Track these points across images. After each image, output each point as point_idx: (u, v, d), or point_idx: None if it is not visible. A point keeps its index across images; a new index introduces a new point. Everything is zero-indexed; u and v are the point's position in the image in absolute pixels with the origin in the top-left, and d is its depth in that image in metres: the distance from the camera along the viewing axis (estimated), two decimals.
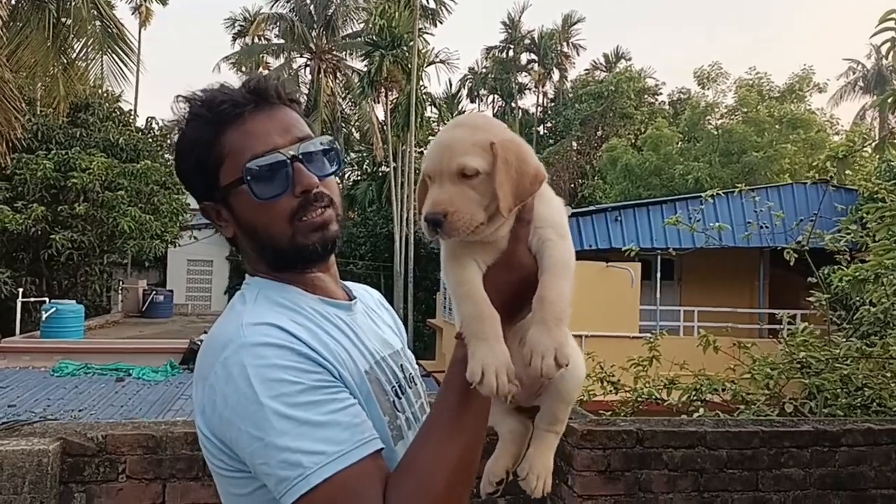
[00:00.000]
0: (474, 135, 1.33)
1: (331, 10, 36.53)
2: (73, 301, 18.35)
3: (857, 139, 5.13)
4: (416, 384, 1.56)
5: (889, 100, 3.97)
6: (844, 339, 6.62)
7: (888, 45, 4.35)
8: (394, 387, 1.45)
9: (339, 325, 1.43)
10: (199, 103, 1.43)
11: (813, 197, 15.54)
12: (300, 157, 1.39)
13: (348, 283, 1.66)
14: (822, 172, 6.03)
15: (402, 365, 1.54)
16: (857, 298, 5.31)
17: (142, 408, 11.34)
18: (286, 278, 1.45)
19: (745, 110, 28.42)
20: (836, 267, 8.18)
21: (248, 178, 1.36)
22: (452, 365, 1.31)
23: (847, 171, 4.98)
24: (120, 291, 25.42)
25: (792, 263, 7.00)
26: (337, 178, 1.54)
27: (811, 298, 6.15)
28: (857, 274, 4.62)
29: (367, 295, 1.69)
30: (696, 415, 6.39)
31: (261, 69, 36.29)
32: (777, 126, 27.52)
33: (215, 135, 1.40)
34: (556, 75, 40.71)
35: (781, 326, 14.38)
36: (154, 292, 24.71)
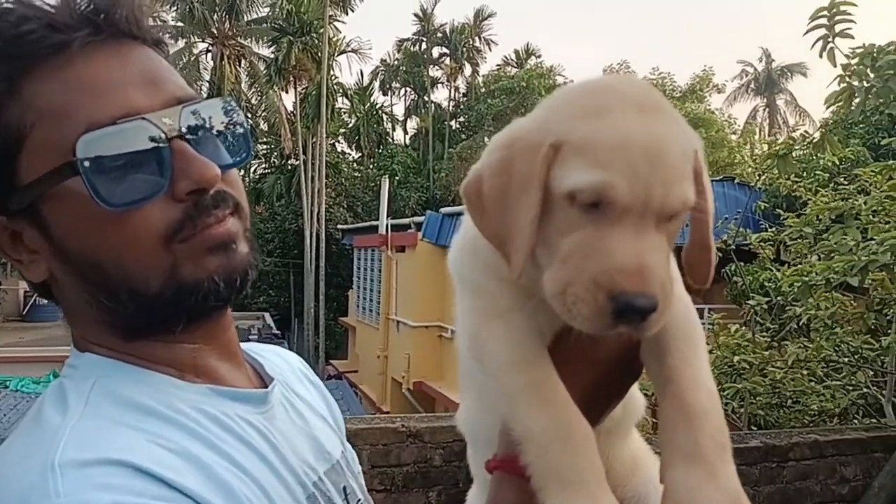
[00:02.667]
0: (681, 136, 0.75)
1: None
2: None
3: (798, 137, 5.05)
4: None
5: (844, 95, 3.76)
6: (768, 340, 6.63)
7: (820, 43, 4.21)
8: None
9: (248, 436, 0.83)
10: None
11: (720, 194, 15.98)
12: (183, 131, 0.80)
13: (250, 348, 1.04)
14: (751, 173, 5.95)
15: (344, 487, 0.96)
16: (802, 303, 5.19)
17: (19, 424, 10.29)
18: (146, 355, 0.83)
19: None
20: (743, 264, 8.29)
21: (85, 163, 0.75)
22: None
23: (787, 168, 4.82)
24: None
25: (716, 263, 6.95)
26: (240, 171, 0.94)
27: (751, 301, 6.04)
28: (805, 279, 4.44)
29: (282, 365, 1.07)
30: None
31: None
32: None
33: (10, 84, 0.77)
34: (467, 70, 40.66)
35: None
36: (36, 294, 22.75)
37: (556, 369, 0.79)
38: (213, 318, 0.87)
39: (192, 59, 34.88)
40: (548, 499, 0.71)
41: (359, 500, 0.98)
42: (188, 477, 0.72)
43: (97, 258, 0.79)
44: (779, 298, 6.58)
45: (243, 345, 1.01)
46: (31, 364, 13.68)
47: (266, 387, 0.94)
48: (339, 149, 37.90)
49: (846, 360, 6.16)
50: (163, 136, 0.78)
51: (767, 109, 40.77)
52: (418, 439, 4.27)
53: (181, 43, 35.25)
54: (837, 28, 3.90)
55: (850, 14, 3.77)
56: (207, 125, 0.84)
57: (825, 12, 3.93)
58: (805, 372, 6.40)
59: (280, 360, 1.08)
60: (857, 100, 3.74)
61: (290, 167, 34.49)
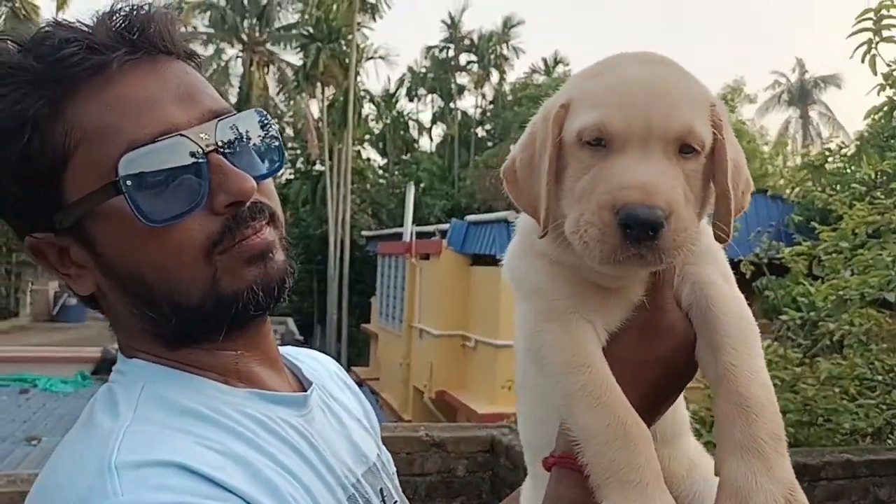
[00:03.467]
0: (690, 82, 0.81)
1: (265, 0, 35.32)
2: None
3: (833, 147, 4.93)
4: None
5: (885, 108, 3.65)
6: (801, 356, 6.48)
7: (863, 47, 4.08)
8: None
9: (291, 438, 0.85)
10: (20, 48, 0.80)
11: (751, 206, 15.72)
12: (220, 144, 0.81)
13: (288, 352, 1.05)
14: (784, 185, 5.83)
15: (381, 489, 0.97)
16: (836, 318, 5.06)
17: (47, 423, 10.54)
18: (191, 361, 0.85)
19: None
20: (775, 278, 8.13)
21: (128, 182, 0.77)
22: None
23: (822, 180, 4.72)
24: (29, 293, 23.78)
25: (748, 276, 6.81)
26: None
27: (784, 316, 5.91)
28: (840, 293, 4.33)
29: (320, 370, 1.09)
30: None
31: None
32: None
33: (54, 107, 0.78)
34: (495, 77, 40.71)
35: None
36: (67, 294, 23.17)
37: (612, 370, 0.80)
38: (253, 326, 0.89)
39: (222, 65, 35.40)
40: (606, 497, 0.73)
41: (395, 501, 1.00)
42: (236, 477, 0.74)
43: (141, 272, 0.82)
44: (812, 314, 6.44)
45: (282, 349, 1.04)
46: (60, 364, 13.95)
47: (305, 390, 0.97)
48: (364, 155, 38.15)
49: (881, 378, 5.99)
50: (200, 150, 0.80)
51: (801, 121, 40.16)
52: (441, 449, 4.23)
53: (211, 49, 35.85)
54: (884, 33, 3.75)
55: None
56: (243, 137, 0.86)
57: (871, 14, 3.78)
58: (837, 389, 6.25)
59: (317, 364, 1.11)
60: None
61: (315, 173, 34.78)
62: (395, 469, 1.12)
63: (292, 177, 37.68)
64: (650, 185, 0.72)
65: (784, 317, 5.82)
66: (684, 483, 0.95)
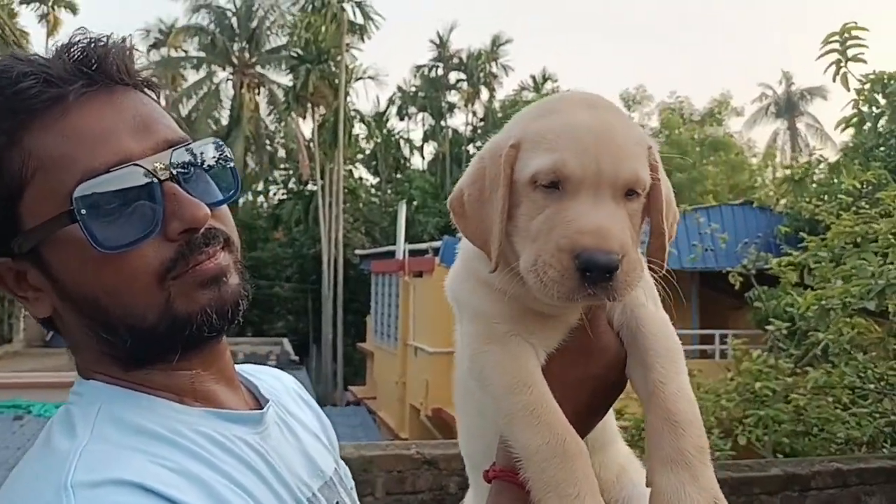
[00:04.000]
0: (631, 127, 0.87)
1: (254, 23, 35.55)
2: None
3: (813, 161, 5.01)
4: None
5: (854, 119, 3.74)
6: (792, 366, 6.52)
7: (833, 67, 4.20)
8: None
9: (245, 455, 0.86)
10: None
11: (740, 218, 15.85)
12: (174, 171, 0.83)
13: (245, 370, 1.07)
14: (771, 196, 5.92)
15: (337, 502, 1.00)
16: (821, 327, 5.11)
17: None
18: (147, 382, 0.87)
19: (668, 133, 29.23)
20: (765, 288, 8.19)
21: (82, 211, 0.79)
22: None
23: (803, 193, 4.80)
24: (22, 319, 23.60)
25: (737, 287, 6.88)
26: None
27: (770, 327, 5.96)
28: (823, 303, 4.38)
29: (278, 387, 1.11)
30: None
31: (177, 82, 34.79)
32: (698, 148, 28.44)
33: (11, 136, 0.81)
34: (484, 95, 40.98)
35: (714, 347, 14.63)
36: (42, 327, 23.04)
37: (550, 388, 0.85)
38: (208, 346, 0.90)
39: (213, 87, 35.53)
40: None
41: None
42: (190, 494, 0.75)
43: (96, 296, 0.83)
44: (801, 323, 6.49)
45: (240, 367, 1.05)
46: (54, 390, 13.75)
47: (261, 408, 0.98)
48: (356, 174, 38.25)
49: (872, 386, 6.04)
50: (154, 180, 0.82)
51: (788, 132, 40.51)
52: (433, 466, 4.24)
53: (203, 72, 35.99)
54: (850, 53, 3.90)
55: (862, 39, 3.76)
56: (198, 165, 0.88)
57: (837, 37, 3.93)
58: (831, 399, 6.29)
59: (275, 382, 1.13)
60: (867, 125, 3.73)
61: (308, 193, 34.81)
62: (353, 484, 1.14)
63: (285, 197, 37.69)
64: (605, 230, 0.78)
65: (771, 327, 5.87)
66: (614, 488, 1.01)
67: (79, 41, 0.85)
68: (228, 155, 0.94)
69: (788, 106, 40.07)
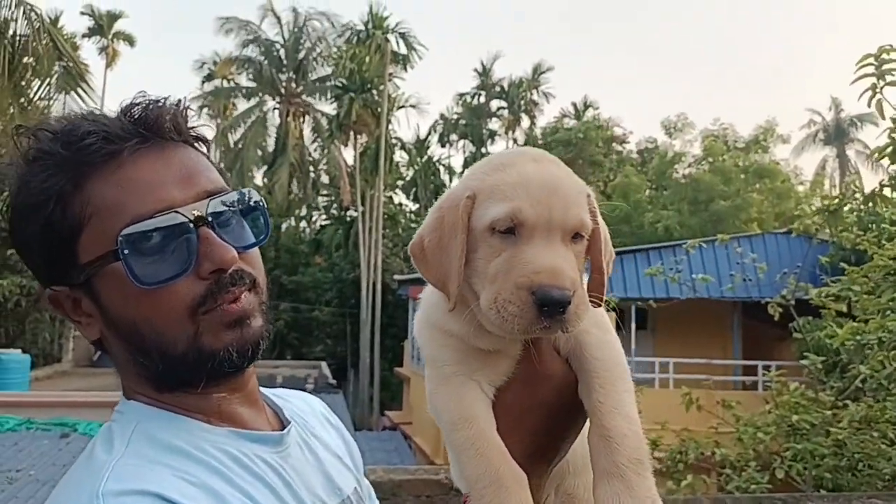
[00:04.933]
0: (573, 179, 0.98)
1: (301, 55, 36.55)
2: (19, 350, 17.48)
3: (847, 192, 4.92)
4: None
5: (889, 149, 3.68)
6: (833, 399, 6.34)
7: (868, 92, 4.13)
8: None
9: (262, 472, 0.96)
10: (52, 136, 0.96)
11: (784, 247, 15.51)
12: (209, 218, 0.95)
13: (276, 393, 1.18)
14: (810, 225, 5.83)
15: None
16: (857, 362, 4.98)
17: None
18: (179, 403, 0.98)
19: (712, 160, 28.83)
20: (811, 319, 7.99)
21: (125, 251, 0.92)
22: None
23: (838, 224, 4.71)
24: (71, 340, 24.36)
25: (777, 318, 6.74)
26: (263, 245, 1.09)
27: (805, 361, 5.83)
28: (858, 338, 4.28)
29: (305, 409, 1.21)
30: (683, 483, 5.99)
31: (228, 111, 35.89)
32: (743, 175, 27.95)
33: (74, 185, 0.94)
34: (525, 122, 41.15)
35: (757, 378, 14.26)
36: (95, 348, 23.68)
37: (502, 418, 0.93)
38: (232, 378, 1.02)
39: (261, 116, 36.52)
40: None
41: None
42: None
43: (135, 324, 0.96)
44: (842, 357, 6.32)
45: (268, 390, 1.17)
46: (100, 408, 14.09)
47: (284, 429, 1.08)
48: (396, 200, 38.65)
49: None
50: (191, 224, 0.95)
51: (838, 160, 39.53)
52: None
53: (253, 101, 37.07)
54: (888, 77, 3.78)
55: None
56: (231, 208, 1.01)
57: (872, 59, 3.81)
58: (875, 434, 6.08)
59: (303, 404, 1.24)
60: None
61: (348, 219, 35.32)
62: (377, 503, 1.22)
63: (326, 222, 38.30)
64: (558, 269, 0.87)
65: (806, 361, 5.73)
66: None
67: (139, 102, 1.00)
68: (261, 203, 1.06)
69: (838, 132, 39.16)
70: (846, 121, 38.96)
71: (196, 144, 1.05)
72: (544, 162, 0.96)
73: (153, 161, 0.97)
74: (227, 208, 0.99)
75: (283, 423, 1.10)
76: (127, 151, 0.95)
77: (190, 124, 1.04)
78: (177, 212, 0.94)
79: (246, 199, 1.04)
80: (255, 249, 1.04)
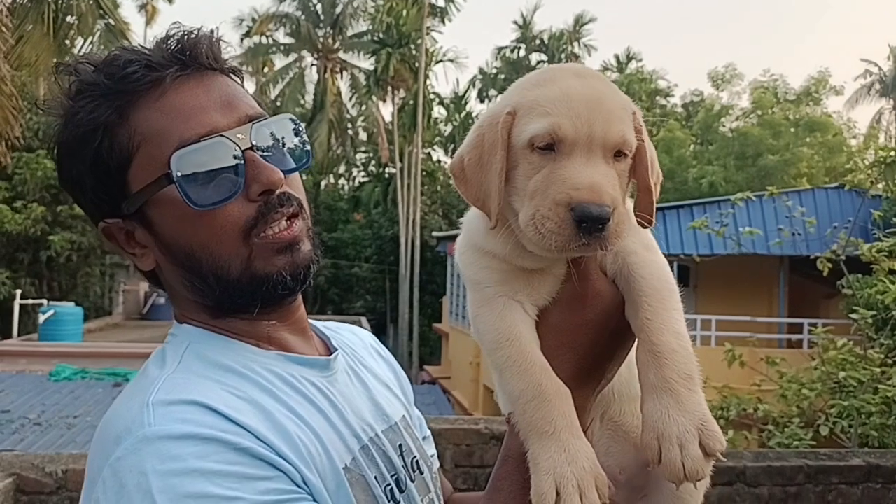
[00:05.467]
0: (618, 95, 0.94)
1: (338, 10, 36.21)
2: (73, 303, 18.21)
3: None
4: (422, 470, 1.11)
5: None
6: (882, 356, 6.19)
7: None
8: (388, 485, 1.01)
9: (310, 393, 0.98)
10: (94, 68, 0.97)
11: (835, 202, 15.04)
12: (255, 143, 0.96)
13: (326, 325, 1.20)
14: (864, 179, 5.60)
15: (400, 445, 1.09)
16: None
17: None
18: (231, 328, 1.01)
19: (761, 113, 27.87)
20: (861, 276, 7.75)
21: (179, 174, 0.93)
22: (503, 467, 0.91)
23: (894, 177, 4.52)
24: (121, 293, 25.22)
25: (826, 273, 6.56)
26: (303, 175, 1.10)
27: (854, 316, 5.67)
28: None
29: (354, 341, 1.23)
30: (724, 438, 5.97)
31: (266, 69, 35.96)
32: (793, 129, 27.00)
33: (120, 114, 0.95)
34: None
35: (802, 336, 14.00)
36: (156, 294, 24.48)
37: (547, 338, 0.92)
38: (284, 302, 1.03)
39: (299, 73, 36.50)
40: (530, 447, 0.86)
41: (414, 457, 1.11)
42: (251, 417, 0.88)
43: (191, 249, 0.98)
44: (893, 313, 6.13)
45: (319, 322, 1.20)
46: None
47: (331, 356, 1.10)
48: (434, 157, 38.48)
49: None
50: (238, 148, 0.96)
51: (895, 112, 37.84)
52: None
53: (291, 58, 37.02)
54: None
55: None
56: (275, 133, 1.01)
57: None
58: None
59: (352, 336, 1.26)
60: None
61: (387, 175, 35.38)
62: (428, 434, 1.25)
63: (365, 180, 38.44)
64: (598, 185, 0.85)
65: (855, 315, 5.57)
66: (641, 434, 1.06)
67: (175, 33, 1.00)
68: (301, 129, 1.06)
69: (895, 84, 37.40)
70: None
71: (233, 77, 1.05)
72: (587, 77, 0.93)
73: (194, 87, 0.98)
74: (269, 133, 1.00)
75: (330, 352, 1.12)
76: (169, 78, 0.96)
77: (225, 56, 1.04)
78: (223, 136, 0.95)
79: (288, 124, 1.04)
80: (297, 175, 1.04)
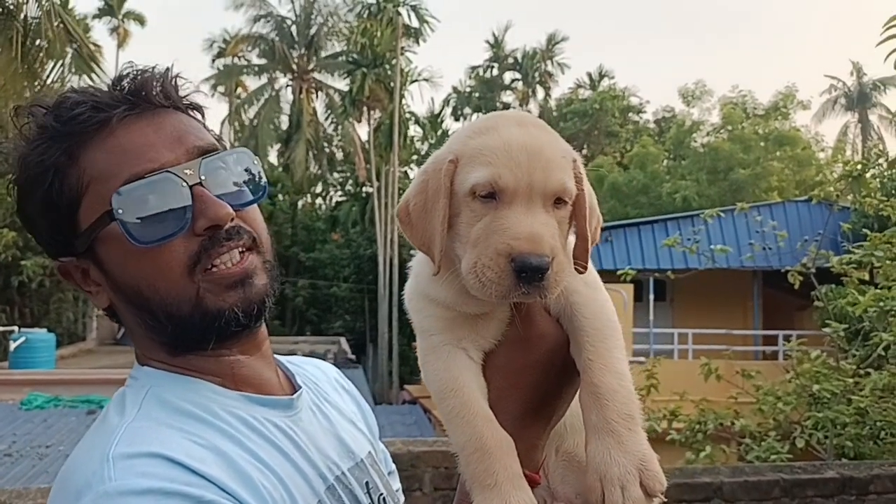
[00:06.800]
0: (558, 143, 0.95)
1: (313, 31, 36.31)
2: (45, 330, 17.86)
3: (871, 156, 4.81)
4: None
5: None
6: (855, 367, 6.29)
7: (894, 55, 4.05)
8: None
9: (273, 437, 0.97)
10: (45, 111, 0.98)
11: (804, 215, 15.31)
12: (202, 177, 0.96)
13: (290, 359, 1.18)
14: (831, 191, 5.73)
15: (367, 482, 1.08)
16: (879, 329, 4.92)
17: None
18: (192, 366, 0.99)
19: (731, 128, 28.37)
20: (832, 287, 7.89)
21: (120, 210, 0.92)
22: None
23: (861, 190, 4.62)
24: (95, 319, 24.79)
25: (797, 287, 6.67)
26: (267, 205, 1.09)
27: (827, 329, 5.77)
28: (881, 304, 4.23)
29: (318, 375, 1.22)
30: (702, 453, 6.00)
31: (238, 90, 35.87)
32: (763, 143, 27.49)
33: (69, 156, 0.96)
34: (540, 94, 40.71)
35: (777, 348, 14.19)
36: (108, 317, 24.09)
37: (495, 380, 0.93)
38: (240, 338, 1.02)
39: (274, 94, 36.46)
40: (474, 498, 0.87)
41: (381, 493, 1.10)
42: (214, 468, 0.87)
43: (139, 287, 0.97)
44: (864, 324, 6.24)
45: (283, 357, 1.18)
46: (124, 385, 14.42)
47: (295, 393, 1.09)
48: (411, 175, 38.51)
49: None
50: (185, 184, 0.95)
51: (860, 125, 38.75)
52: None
53: (264, 79, 36.99)
54: None
55: None
56: (224, 167, 1.01)
57: None
58: None
59: (316, 370, 1.25)
60: None
61: (364, 195, 35.32)
62: (393, 468, 1.23)
63: (342, 199, 38.34)
64: (537, 235, 0.86)
65: (828, 329, 5.67)
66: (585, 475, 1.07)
67: (127, 74, 1.01)
68: (255, 161, 1.05)
69: (860, 97, 38.33)
70: (868, 85, 38.11)
71: (189, 112, 1.05)
72: (528, 125, 0.94)
73: (143, 126, 0.98)
74: (220, 167, 1.00)
75: (295, 388, 1.11)
76: (116, 118, 0.96)
77: (182, 92, 1.04)
78: (169, 171, 0.95)
79: (240, 158, 1.04)
80: (255, 208, 1.04)
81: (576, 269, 0.95)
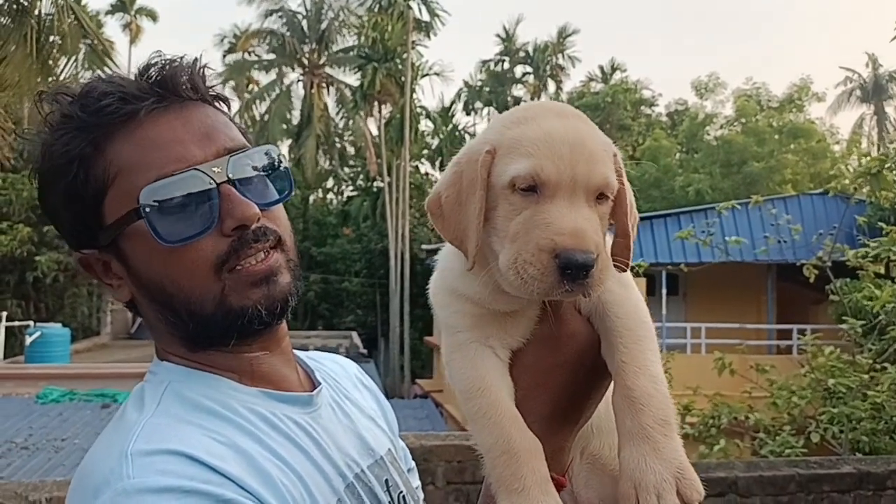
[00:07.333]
0: (599, 135, 0.91)
1: (324, 25, 36.32)
2: (60, 324, 18.03)
3: (890, 152, 4.74)
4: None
5: None
6: (871, 362, 6.22)
7: None
8: None
9: (293, 433, 0.96)
10: (70, 100, 0.96)
11: (819, 208, 15.16)
12: (230, 175, 0.94)
13: (310, 355, 1.18)
14: (847, 185, 5.66)
15: (386, 480, 1.06)
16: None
17: None
18: (211, 362, 0.98)
19: (745, 121, 28.12)
20: (847, 280, 7.80)
21: (147, 210, 0.91)
22: None
23: (880, 186, 4.56)
24: (109, 313, 25.01)
25: (812, 280, 6.61)
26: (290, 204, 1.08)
27: (844, 325, 5.70)
28: None
29: (338, 371, 1.21)
30: (716, 447, 5.97)
31: (249, 86, 35.96)
32: (777, 136, 27.23)
33: (95, 147, 0.94)
34: (551, 87, 40.51)
35: (792, 342, 14.08)
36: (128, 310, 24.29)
37: (522, 380, 0.90)
38: (262, 335, 1.00)
39: (285, 89, 36.52)
40: (499, 502, 0.84)
41: (400, 491, 1.09)
42: (233, 465, 0.85)
43: (162, 284, 0.96)
44: (881, 318, 6.17)
45: (302, 353, 1.17)
46: (138, 379, 14.35)
47: (315, 390, 1.08)
48: (422, 170, 38.52)
49: None
50: (213, 182, 0.93)
51: (875, 118, 38.31)
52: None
53: (274, 74, 37.06)
54: None
55: None
56: (253, 165, 0.99)
57: None
58: None
59: (336, 367, 1.23)
60: None
61: (375, 189, 35.34)
62: (413, 465, 1.23)
63: (354, 194, 38.39)
64: (581, 231, 0.82)
65: (845, 325, 5.60)
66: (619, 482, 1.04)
67: (154, 63, 0.98)
68: (281, 160, 1.04)
69: (875, 90, 37.88)
70: (884, 77, 37.65)
71: (216, 104, 1.03)
72: (569, 117, 0.90)
73: (171, 120, 0.96)
74: (248, 165, 0.98)
75: (314, 385, 1.10)
76: (144, 111, 0.95)
77: (208, 84, 1.02)
78: (197, 169, 0.94)
79: (267, 156, 1.02)
80: (280, 207, 1.03)
81: (616, 266, 0.92)
